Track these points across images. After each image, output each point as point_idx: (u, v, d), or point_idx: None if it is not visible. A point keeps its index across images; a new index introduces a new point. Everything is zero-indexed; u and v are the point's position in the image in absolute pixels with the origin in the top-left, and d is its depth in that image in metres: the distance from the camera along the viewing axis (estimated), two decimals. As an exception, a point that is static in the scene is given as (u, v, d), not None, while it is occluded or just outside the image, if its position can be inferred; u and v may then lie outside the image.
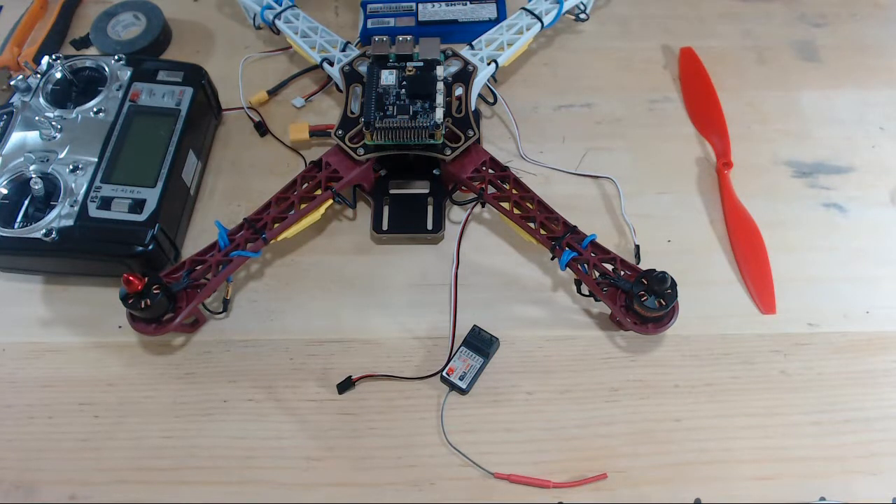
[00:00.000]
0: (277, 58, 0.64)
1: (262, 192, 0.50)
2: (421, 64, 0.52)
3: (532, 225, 0.49)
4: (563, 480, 0.43)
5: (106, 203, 0.48)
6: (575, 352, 0.48)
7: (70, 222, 0.47)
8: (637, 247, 0.52)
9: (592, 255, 0.47)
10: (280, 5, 0.60)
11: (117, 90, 0.53)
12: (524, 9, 0.59)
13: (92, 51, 0.64)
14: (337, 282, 0.51)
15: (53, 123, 0.50)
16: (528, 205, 0.49)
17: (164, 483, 0.44)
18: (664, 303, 0.44)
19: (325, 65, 0.56)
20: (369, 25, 0.64)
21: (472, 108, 0.53)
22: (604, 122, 0.60)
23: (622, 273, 0.47)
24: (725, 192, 0.55)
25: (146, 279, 0.44)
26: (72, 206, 0.48)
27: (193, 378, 0.48)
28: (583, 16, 0.63)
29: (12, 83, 0.53)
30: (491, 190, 0.50)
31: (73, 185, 0.48)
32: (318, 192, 0.50)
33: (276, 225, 0.48)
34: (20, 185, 0.49)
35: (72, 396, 0.47)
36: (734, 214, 0.54)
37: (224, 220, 0.48)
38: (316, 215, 0.50)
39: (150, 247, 0.47)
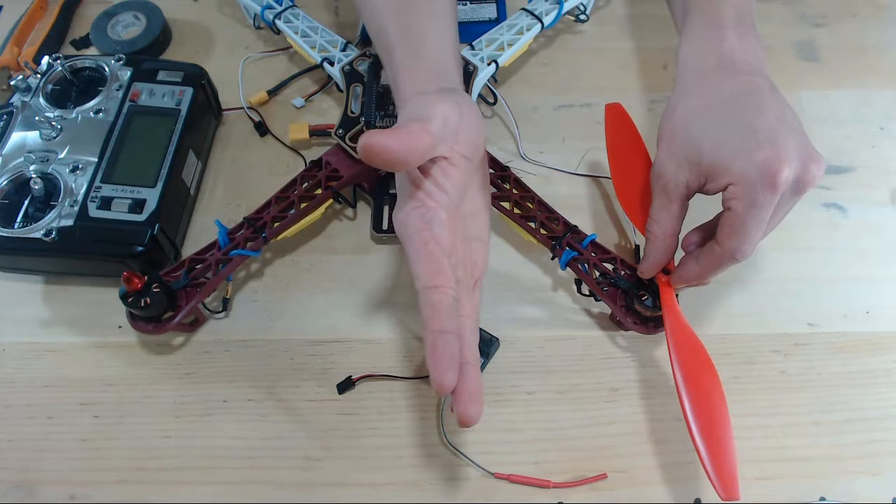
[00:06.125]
0: (277, 58, 0.64)
1: (262, 192, 0.50)
2: (421, 64, 0.52)
3: (532, 225, 0.49)
4: (564, 480, 0.43)
5: (106, 203, 0.48)
6: (575, 352, 0.48)
7: (70, 222, 0.47)
8: (637, 247, 0.52)
9: (592, 254, 0.47)
10: (280, 5, 0.60)
11: (117, 90, 0.53)
12: (524, 9, 0.59)
13: (92, 51, 0.64)
14: (337, 282, 0.51)
15: (53, 123, 0.50)
16: (529, 204, 0.49)
17: (164, 483, 0.44)
18: (664, 303, 0.44)
19: (326, 64, 0.56)
20: (369, 25, 0.64)
21: (473, 108, 0.53)
22: (604, 122, 0.59)
23: (622, 273, 0.47)
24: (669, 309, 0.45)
25: (146, 277, 0.44)
26: (72, 206, 0.48)
27: (193, 378, 0.48)
28: (583, 17, 0.63)
29: (12, 83, 0.53)
30: (491, 190, 0.50)
31: (73, 185, 0.48)
32: (319, 191, 0.50)
33: (276, 224, 0.48)
34: (20, 185, 0.49)
35: (72, 396, 0.47)
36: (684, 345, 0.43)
37: (224, 220, 0.48)
38: (316, 215, 0.50)
39: (150, 246, 0.47)
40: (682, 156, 0.42)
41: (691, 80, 0.44)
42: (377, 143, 0.34)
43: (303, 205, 0.49)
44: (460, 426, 0.35)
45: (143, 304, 0.43)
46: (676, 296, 0.45)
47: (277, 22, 0.59)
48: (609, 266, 0.47)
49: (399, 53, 0.45)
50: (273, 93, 0.61)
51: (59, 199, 0.48)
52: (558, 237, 0.48)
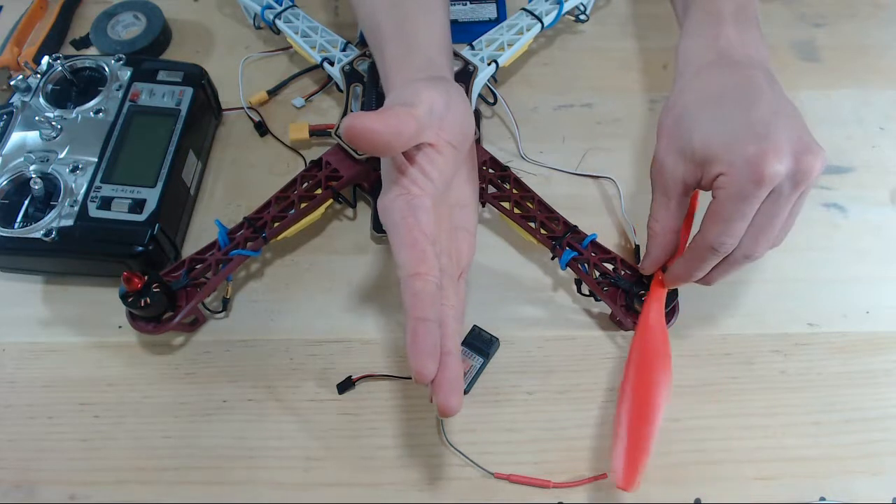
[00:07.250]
0: (277, 58, 0.64)
1: (262, 192, 0.50)
2: (421, 64, 0.52)
3: (532, 225, 0.49)
4: (563, 480, 0.43)
5: (106, 203, 0.48)
6: (575, 352, 0.48)
7: (70, 222, 0.47)
8: (637, 247, 0.52)
9: (593, 254, 0.47)
10: (280, 5, 0.60)
11: (117, 90, 0.53)
12: (524, 9, 0.59)
13: (92, 51, 0.64)
14: (337, 282, 0.51)
15: (53, 123, 0.50)
16: (529, 204, 0.49)
17: (164, 483, 0.44)
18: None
19: (326, 64, 0.56)
20: (369, 25, 0.64)
21: (473, 109, 0.53)
22: (604, 122, 0.60)
23: (622, 273, 0.47)
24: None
25: (146, 277, 0.44)
26: (72, 206, 0.48)
27: (193, 378, 0.47)
28: (583, 17, 0.63)
29: (12, 83, 0.53)
30: (491, 190, 0.50)
31: (73, 185, 0.48)
32: (319, 191, 0.50)
33: (276, 224, 0.48)
34: (20, 185, 0.49)
35: (72, 396, 0.47)
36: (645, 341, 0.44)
37: (224, 220, 0.48)
38: (316, 215, 0.50)
39: (150, 247, 0.47)
40: (679, 151, 0.42)
41: (690, 76, 0.44)
42: (361, 124, 0.34)
43: (303, 205, 0.49)
44: (440, 416, 0.35)
45: (143, 304, 0.43)
46: (675, 295, 0.45)
47: (277, 22, 0.59)
48: (609, 266, 0.47)
49: (391, 48, 0.45)
50: (273, 93, 0.61)
51: (59, 199, 0.48)
52: (558, 237, 0.48)
